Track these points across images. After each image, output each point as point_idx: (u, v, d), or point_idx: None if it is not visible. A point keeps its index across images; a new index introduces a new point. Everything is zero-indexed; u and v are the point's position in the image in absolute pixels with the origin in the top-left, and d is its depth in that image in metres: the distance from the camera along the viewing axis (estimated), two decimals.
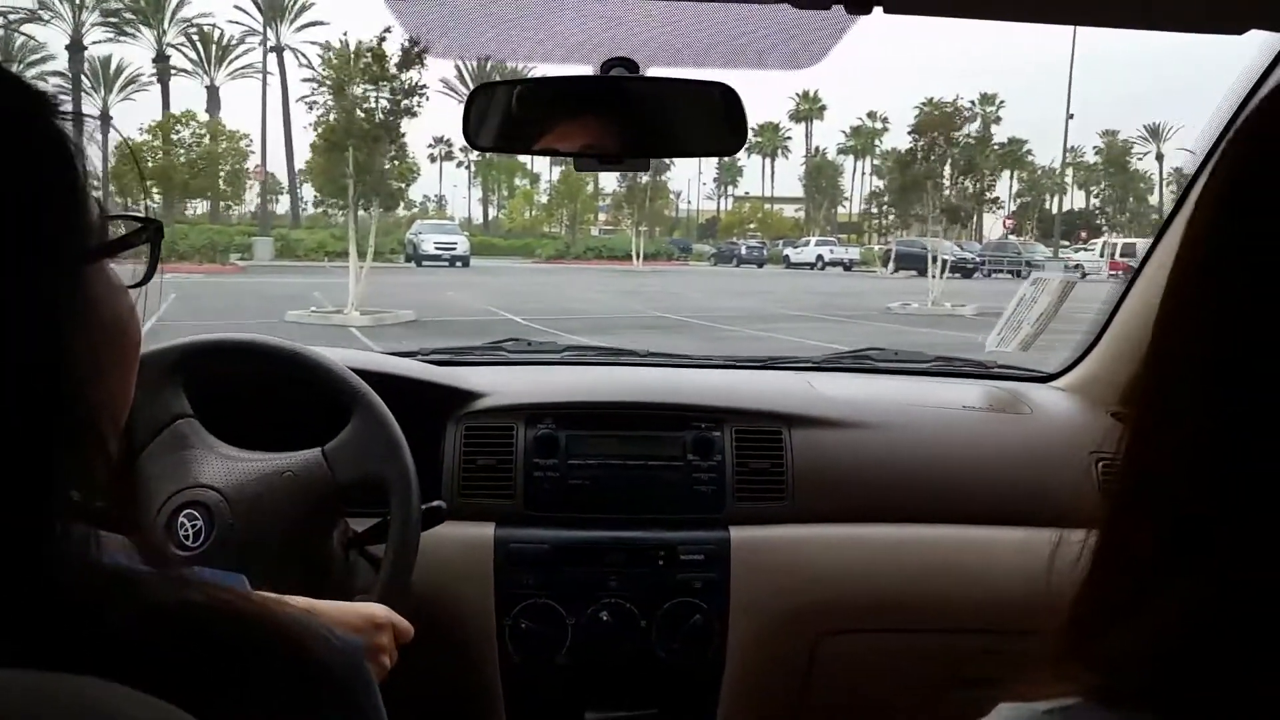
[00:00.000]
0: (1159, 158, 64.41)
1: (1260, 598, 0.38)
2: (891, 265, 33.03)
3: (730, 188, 73.73)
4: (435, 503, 1.36)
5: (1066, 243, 50.57)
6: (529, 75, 1.47)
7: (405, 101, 14.28)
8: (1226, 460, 0.40)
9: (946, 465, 1.63)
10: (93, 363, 0.47)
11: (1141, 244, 37.05)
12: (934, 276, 17.73)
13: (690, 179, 72.64)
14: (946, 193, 20.89)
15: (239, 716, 0.45)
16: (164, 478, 1.29)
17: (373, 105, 14.00)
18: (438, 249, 28.45)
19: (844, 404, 1.67)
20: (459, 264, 28.61)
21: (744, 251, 40.73)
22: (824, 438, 1.63)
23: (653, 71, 1.40)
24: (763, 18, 1.33)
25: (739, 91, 1.33)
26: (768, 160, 72.32)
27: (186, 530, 1.23)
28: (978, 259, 32.29)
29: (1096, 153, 64.62)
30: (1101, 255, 38.17)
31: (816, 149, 69.29)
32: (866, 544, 1.59)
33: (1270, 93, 0.45)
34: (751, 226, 58.55)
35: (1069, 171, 59.96)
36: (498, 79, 1.46)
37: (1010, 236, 48.69)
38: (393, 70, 13.84)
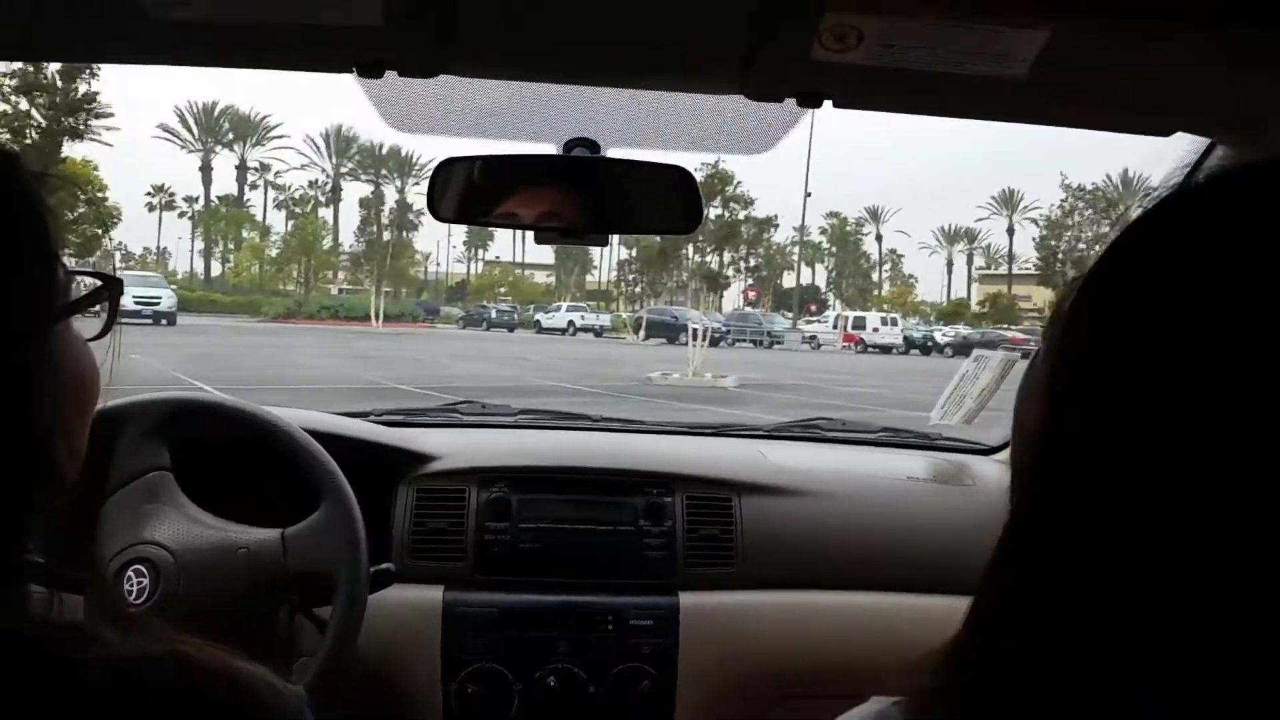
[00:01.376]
0: (878, 238, 70.65)
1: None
2: (643, 333, 34.09)
3: (481, 251, 74.09)
4: (384, 565, 1.38)
5: (798, 314, 55.02)
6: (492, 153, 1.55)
7: (68, 119, 12.20)
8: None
9: (893, 535, 1.68)
10: (57, 417, 0.50)
11: (871, 317, 41.54)
12: (694, 345, 17.68)
13: (440, 240, 72.31)
14: (706, 258, 22.13)
15: None
16: (122, 528, 1.30)
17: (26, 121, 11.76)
18: (137, 304, 25.97)
19: (793, 473, 1.73)
20: (163, 321, 26.73)
21: (494, 315, 40.51)
22: (773, 505, 1.67)
23: (613, 152, 1.47)
24: (719, 106, 1.41)
25: (693, 174, 1.42)
26: None
27: (132, 585, 1.24)
28: (724, 328, 33.02)
29: (822, 232, 69.98)
30: (834, 327, 40.41)
31: None
32: (815, 611, 1.63)
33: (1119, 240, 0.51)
34: (502, 290, 58.97)
35: (796, 249, 65.60)
36: (461, 155, 1.52)
37: (750, 308, 52.34)
38: (49, 77, 11.58)
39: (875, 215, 69.71)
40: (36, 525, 0.48)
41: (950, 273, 70.40)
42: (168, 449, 1.37)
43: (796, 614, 1.62)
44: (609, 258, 68.02)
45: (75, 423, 0.55)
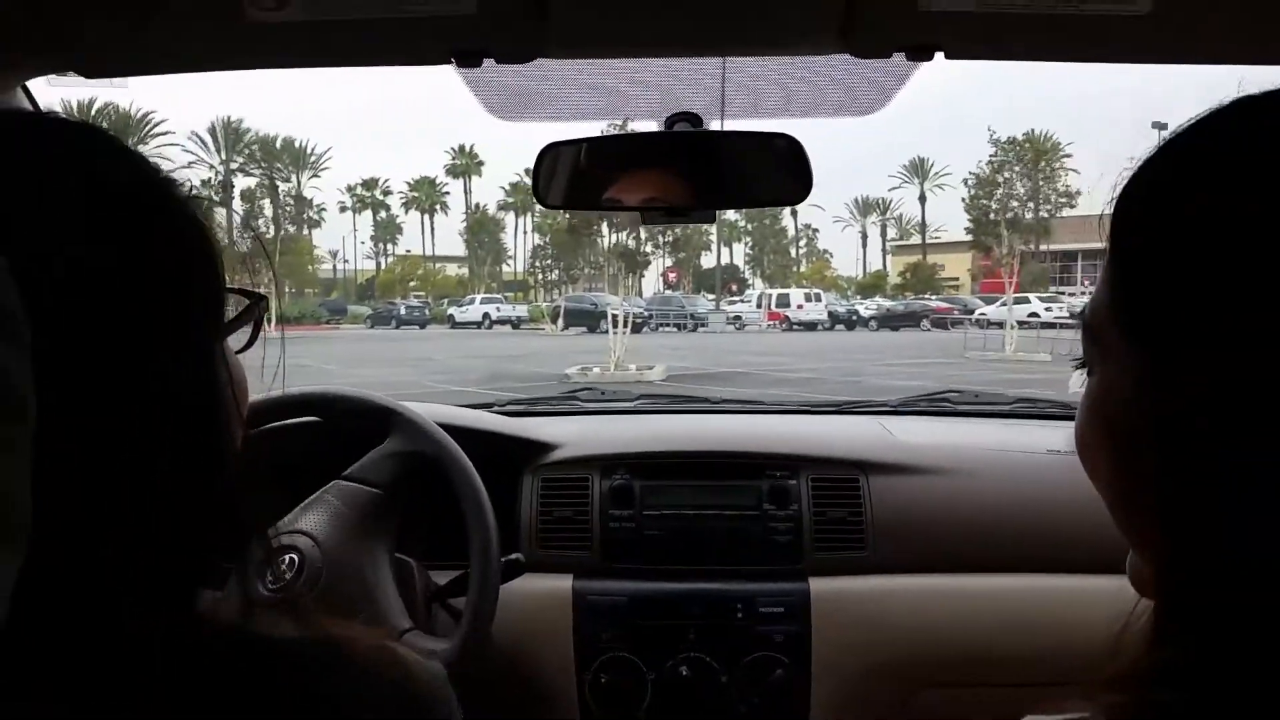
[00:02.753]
0: (794, 212, 67.32)
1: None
2: (561, 322, 32.80)
3: (390, 245, 71.78)
4: (513, 555, 1.40)
5: (726, 295, 54.19)
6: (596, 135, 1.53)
7: None
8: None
9: (1034, 511, 1.60)
10: (237, 418, 0.55)
11: (795, 294, 42.01)
12: (614, 334, 16.91)
13: (346, 235, 70.44)
14: (623, 236, 21.38)
15: None
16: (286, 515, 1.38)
17: None
18: None
19: (923, 450, 1.67)
20: None
21: (403, 312, 39.75)
22: (903, 485, 1.62)
23: (717, 125, 1.44)
24: (823, 68, 1.38)
25: (802, 141, 1.37)
26: (427, 217, 71.00)
27: (280, 570, 1.30)
28: (645, 312, 32.32)
29: (737, 211, 70.94)
30: (758, 306, 39.27)
31: (477, 205, 68.64)
32: (953, 595, 1.57)
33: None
34: (413, 285, 57.99)
35: (715, 230, 65.62)
36: (563, 140, 1.47)
37: (671, 290, 52.35)
38: None
39: None
40: (228, 520, 0.53)
41: (865, 245, 69.78)
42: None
43: (932, 598, 1.57)
44: (524, 245, 67.65)
45: (239, 424, 0.61)
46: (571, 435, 1.74)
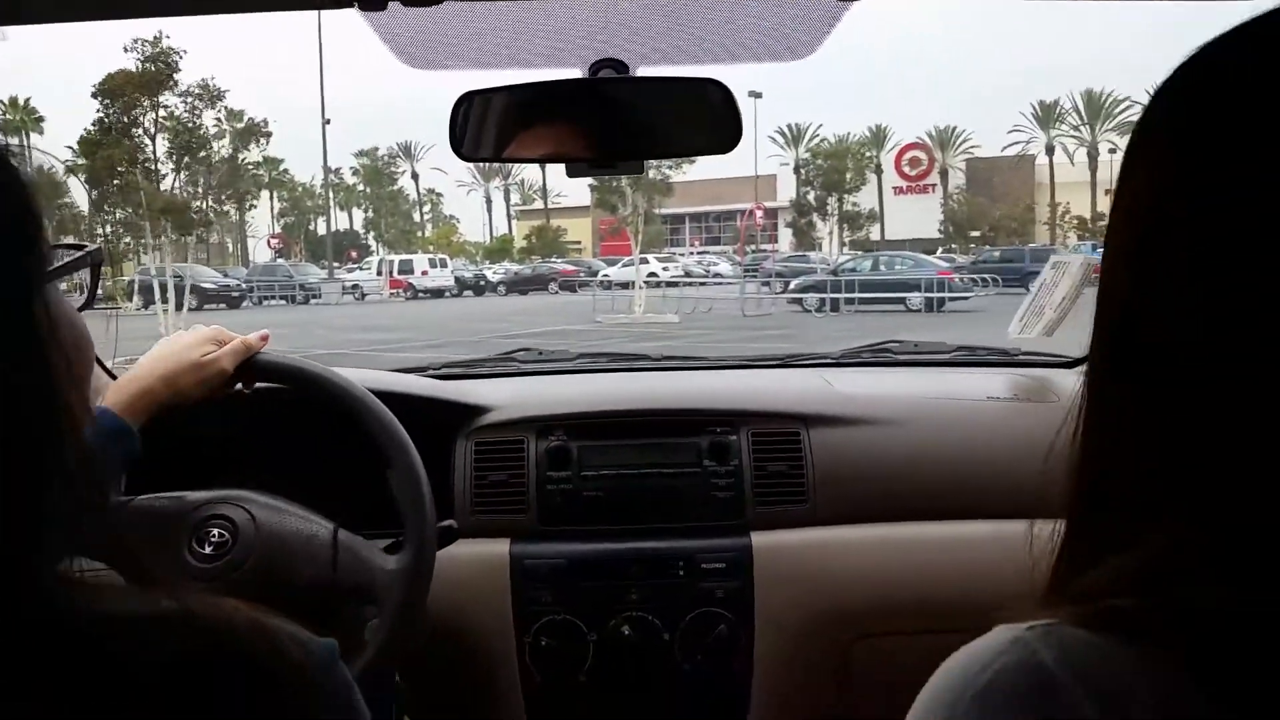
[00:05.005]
0: (414, 175, 66.40)
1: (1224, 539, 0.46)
2: (137, 299, 30.44)
3: None
4: (447, 522, 1.35)
5: (338, 263, 49.68)
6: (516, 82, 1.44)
7: None
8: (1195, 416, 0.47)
9: (974, 459, 1.61)
10: (67, 378, 0.53)
11: (419, 259, 41.17)
12: (163, 314, 15.32)
13: None
14: (171, 183, 18.42)
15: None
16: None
17: None
18: None
19: (863, 401, 1.66)
20: None
21: None
22: (844, 437, 1.61)
23: (644, 71, 1.39)
24: (753, 11, 1.37)
25: (731, 87, 1.34)
26: None
27: (212, 539, 1.26)
28: (244, 285, 30.33)
29: (354, 173, 65.24)
30: (379, 274, 36.72)
31: None
32: (894, 544, 1.56)
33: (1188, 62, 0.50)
34: None
35: (331, 193, 59.26)
36: (479, 88, 1.41)
37: (279, 259, 48.37)
38: None
39: (408, 151, 66.17)
40: (60, 477, 0.50)
41: (490, 210, 68.34)
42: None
43: (874, 548, 1.57)
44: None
45: (83, 377, 0.58)
46: (506, 397, 1.69)
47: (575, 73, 1.38)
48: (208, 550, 1.26)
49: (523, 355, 1.99)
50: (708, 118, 1.36)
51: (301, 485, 1.36)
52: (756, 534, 1.58)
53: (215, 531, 1.27)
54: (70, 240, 0.66)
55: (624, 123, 1.37)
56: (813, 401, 1.68)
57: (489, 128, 1.36)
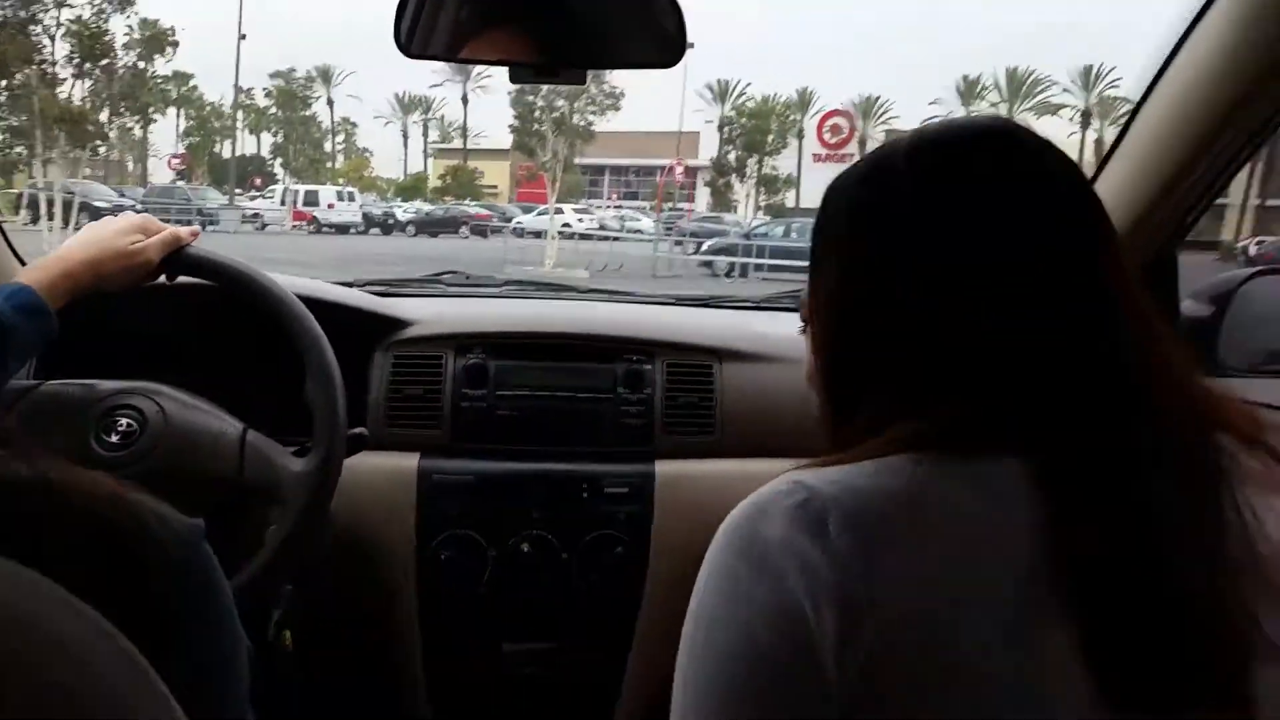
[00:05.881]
0: (330, 102, 64.16)
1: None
2: (24, 214, 28.87)
3: None
4: (357, 430, 1.35)
5: (240, 190, 50.41)
6: None
7: None
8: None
9: None
10: None
11: (325, 191, 39.95)
12: (68, 226, 13.92)
13: None
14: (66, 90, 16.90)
15: (72, 592, 0.46)
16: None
17: None
18: None
19: (776, 340, 1.70)
20: None
21: None
22: (754, 372, 1.66)
23: None
24: None
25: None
26: None
27: (119, 429, 1.26)
28: (140, 206, 30.01)
29: (267, 95, 61.71)
30: (283, 204, 35.35)
31: None
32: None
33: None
34: None
35: (240, 114, 57.20)
36: None
37: (179, 181, 46.97)
38: None
39: (326, 76, 63.04)
40: None
41: (406, 145, 66.16)
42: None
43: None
44: None
45: None
46: (429, 314, 1.69)
47: None
48: (114, 439, 1.25)
49: (450, 278, 1.98)
50: (654, 30, 1.36)
51: (217, 385, 1.35)
52: (661, 462, 1.61)
53: (124, 421, 1.27)
54: None
55: (570, 28, 1.36)
56: (727, 338, 1.71)
57: (438, 26, 1.34)
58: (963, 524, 0.62)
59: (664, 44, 1.34)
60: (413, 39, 1.32)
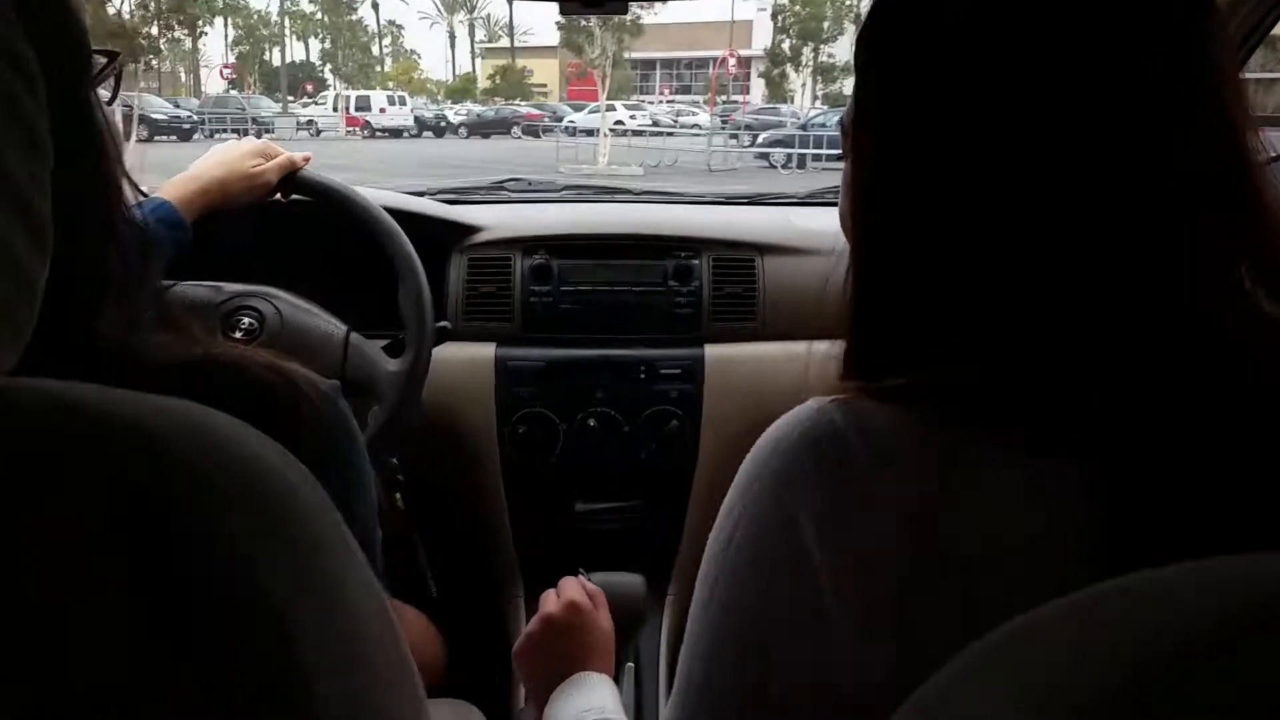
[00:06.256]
0: (375, 5, 62.22)
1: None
2: None
3: None
4: (442, 322, 1.56)
5: (293, 97, 47.47)
6: None
7: None
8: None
9: None
10: (117, 160, 0.59)
11: (376, 96, 39.48)
12: (130, 139, 14.87)
13: None
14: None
15: None
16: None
17: None
18: None
19: (815, 234, 1.87)
20: None
21: None
22: (794, 264, 1.83)
23: None
24: None
25: None
26: None
27: (242, 326, 1.44)
28: (196, 116, 28.96)
29: (312, 1, 61.41)
30: (335, 110, 35.73)
31: None
32: (830, 358, 1.86)
33: None
34: None
35: (287, 21, 57.00)
36: None
37: (232, 90, 44.87)
38: None
39: None
40: (116, 247, 0.56)
41: (454, 46, 65.14)
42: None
43: (810, 360, 1.83)
44: None
45: (121, 159, 0.62)
46: (497, 219, 1.89)
47: None
48: (237, 336, 1.44)
49: (513, 185, 2.17)
50: None
51: (318, 287, 1.55)
52: (710, 346, 1.81)
53: (245, 320, 1.45)
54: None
55: None
56: (770, 233, 1.89)
57: None
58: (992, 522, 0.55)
59: None
60: None
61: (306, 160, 1.54)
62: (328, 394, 0.65)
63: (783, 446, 0.62)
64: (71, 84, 0.52)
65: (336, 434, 0.65)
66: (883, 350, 0.64)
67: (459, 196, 2.05)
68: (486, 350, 1.81)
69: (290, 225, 1.59)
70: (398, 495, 1.63)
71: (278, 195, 1.53)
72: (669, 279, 1.83)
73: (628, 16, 28.87)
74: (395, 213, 1.55)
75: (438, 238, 1.81)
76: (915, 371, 0.61)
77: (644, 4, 1.80)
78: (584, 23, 30.19)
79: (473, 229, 1.87)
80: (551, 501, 1.85)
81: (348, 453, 0.66)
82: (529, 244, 1.84)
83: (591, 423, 1.79)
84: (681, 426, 1.80)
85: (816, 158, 19.74)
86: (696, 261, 1.83)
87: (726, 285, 1.83)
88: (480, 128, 34.88)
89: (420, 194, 2.00)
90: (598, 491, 1.86)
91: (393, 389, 1.46)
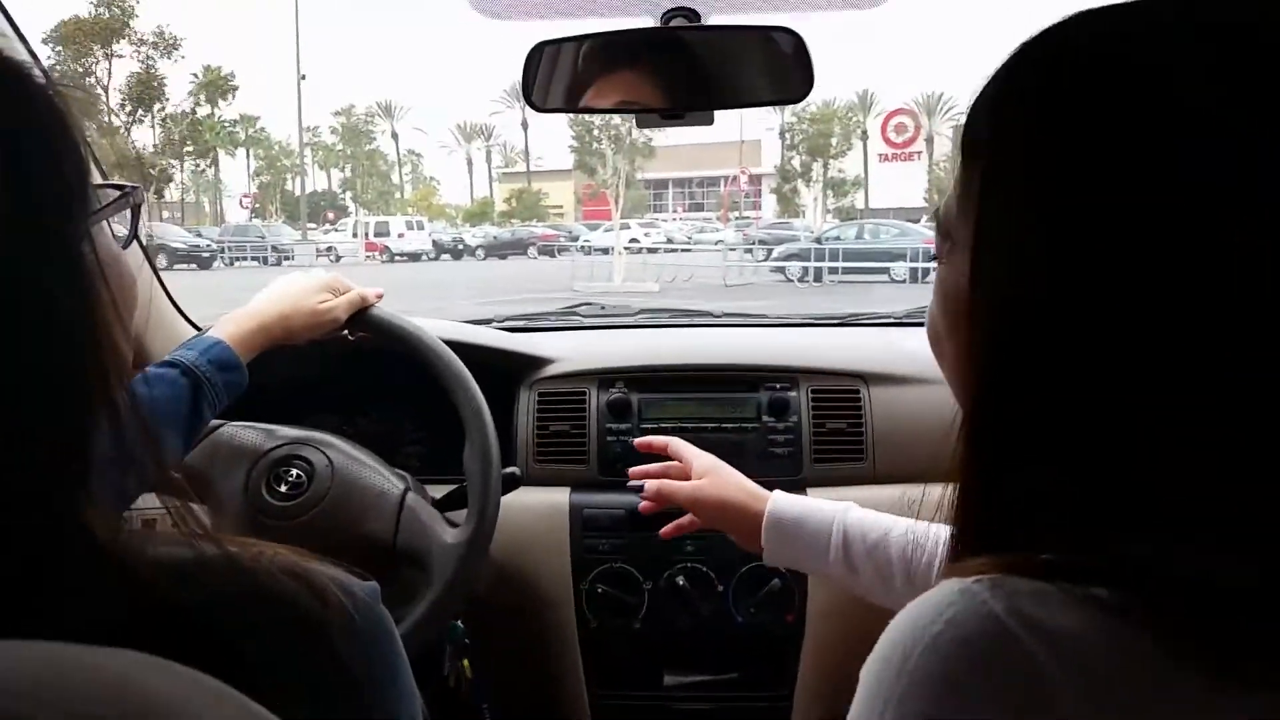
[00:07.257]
0: (394, 135, 65.71)
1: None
2: None
3: None
4: (510, 469, 1.39)
5: (314, 224, 49.10)
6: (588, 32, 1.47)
7: None
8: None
9: None
10: (114, 316, 0.52)
11: (395, 222, 40.72)
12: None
13: None
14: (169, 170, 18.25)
15: (263, 665, 0.48)
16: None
17: None
18: None
19: (926, 359, 1.70)
20: None
21: None
22: (904, 395, 1.62)
23: (716, 19, 1.38)
24: None
25: (805, 36, 1.34)
26: None
27: (289, 478, 1.32)
28: (215, 245, 30.04)
29: (333, 132, 64.74)
30: (355, 236, 36.27)
31: None
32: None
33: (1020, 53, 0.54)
34: None
35: (308, 152, 59.37)
36: (551, 38, 1.42)
37: (253, 219, 47.09)
38: None
39: (388, 110, 65.65)
40: (110, 415, 0.50)
41: (471, 172, 67.93)
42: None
43: (929, 509, 1.63)
44: None
45: (128, 315, 0.58)
46: (569, 349, 1.71)
47: (648, 21, 1.37)
48: (283, 489, 1.31)
49: (585, 309, 2.02)
50: (779, 66, 1.36)
51: (381, 425, 1.43)
52: (812, 490, 1.58)
53: (294, 472, 1.32)
54: (110, 181, 0.65)
55: (695, 72, 1.37)
56: (873, 359, 1.68)
57: (560, 78, 1.37)
58: None
59: (790, 80, 1.35)
60: (539, 92, 1.37)
61: (379, 298, 1.40)
62: (364, 599, 0.57)
63: (922, 646, 0.48)
64: (58, 223, 0.48)
65: (371, 649, 0.56)
66: (1016, 517, 0.52)
67: (527, 324, 1.91)
68: (560, 496, 1.61)
69: (354, 361, 1.48)
70: (465, 662, 1.46)
71: (344, 333, 1.38)
72: (763, 414, 1.63)
73: (639, 139, 29.60)
74: (458, 345, 1.41)
75: (504, 371, 1.66)
76: (1067, 544, 0.49)
77: (683, 125, 1.71)
78: (596, 146, 30.92)
79: (543, 361, 1.70)
80: (636, 672, 1.61)
81: (383, 668, 0.58)
82: (605, 376, 1.66)
83: (680, 581, 1.56)
84: (785, 585, 1.56)
85: (832, 270, 19.89)
86: (794, 394, 1.63)
87: (829, 420, 1.62)
88: (497, 249, 35.69)
89: (485, 322, 1.86)
90: (689, 662, 1.61)
91: (448, 565, 1.29)
